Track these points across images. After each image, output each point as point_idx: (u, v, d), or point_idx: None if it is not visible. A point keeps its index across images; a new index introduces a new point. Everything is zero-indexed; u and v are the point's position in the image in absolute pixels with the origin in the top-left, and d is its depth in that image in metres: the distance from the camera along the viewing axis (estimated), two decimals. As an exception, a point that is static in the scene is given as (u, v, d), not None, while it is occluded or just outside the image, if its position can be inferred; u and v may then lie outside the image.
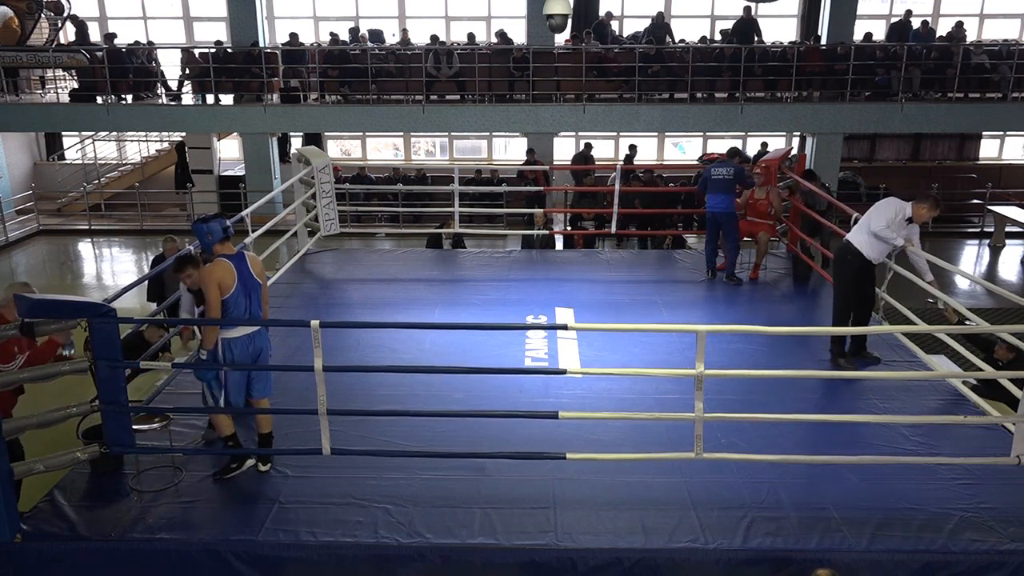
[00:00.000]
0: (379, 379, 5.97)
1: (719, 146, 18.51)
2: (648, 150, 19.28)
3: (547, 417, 4.83)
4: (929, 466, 4.99)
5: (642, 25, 17.08)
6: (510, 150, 19.74)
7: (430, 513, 4.63)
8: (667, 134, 18.67)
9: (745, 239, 9.09)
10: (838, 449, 5.13)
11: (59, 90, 17.51)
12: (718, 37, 17.24)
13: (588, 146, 15.99)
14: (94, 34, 18.93)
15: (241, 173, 17.21)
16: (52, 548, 4.43)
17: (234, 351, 4.89)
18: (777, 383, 5.78)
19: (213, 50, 15.90)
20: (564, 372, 5.08)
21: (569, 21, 13.26)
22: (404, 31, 16.92)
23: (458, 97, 15.77)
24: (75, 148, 19.17)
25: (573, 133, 17.01)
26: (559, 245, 12.60)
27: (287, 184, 9.31)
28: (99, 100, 15.85)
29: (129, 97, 15.97)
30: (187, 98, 16.37)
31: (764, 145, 16.44)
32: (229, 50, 16.03)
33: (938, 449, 5.24)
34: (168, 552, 4.40)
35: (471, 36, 16.74)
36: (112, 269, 14.77)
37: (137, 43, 16.93)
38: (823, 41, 16.47)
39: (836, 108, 15.38)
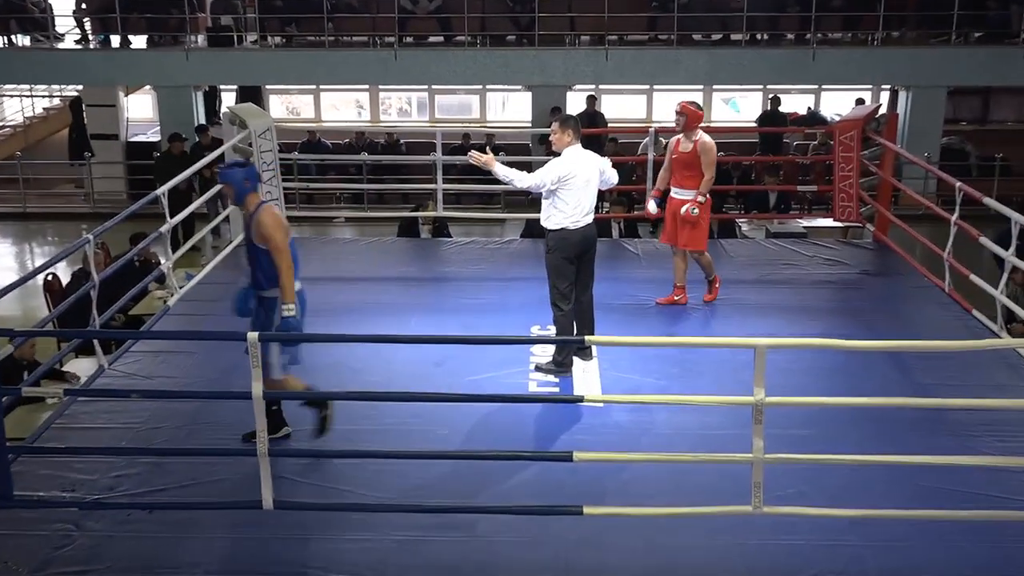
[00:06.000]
0: (338, 409, 5.95)
1: (789, 103, 18.36)
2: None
3: (558, 459, 4.82)
4: (1062, 525, 4.99)
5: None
6: (509, 108, 19.74)
7: (404, 586, 4.62)
8: (715, 88, 18.64)
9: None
10: (942, 502, 5.13)
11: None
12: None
13: (592, 98, 15.85)
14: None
15: (156, 139, 17.20)
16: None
17: (304, 302, 5.55)
18: (861, 415, 5.77)
19: (119, -23, 15.92)
20: (581, 400, 5.09)
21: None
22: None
23: (441, 39, 15.78)
24: (-64, 106, 19.19)
25: (592, 86, 17.01)
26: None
27: (216, 153, 9.31)
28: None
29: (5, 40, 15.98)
30: (84, 40, 16.36)
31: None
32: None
33: (1074, 502, 5.23)
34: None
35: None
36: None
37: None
38: (921, -35, 16.50)
39: (938, 53, 15.40)
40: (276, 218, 5.46)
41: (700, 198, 7.61)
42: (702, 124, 7.72)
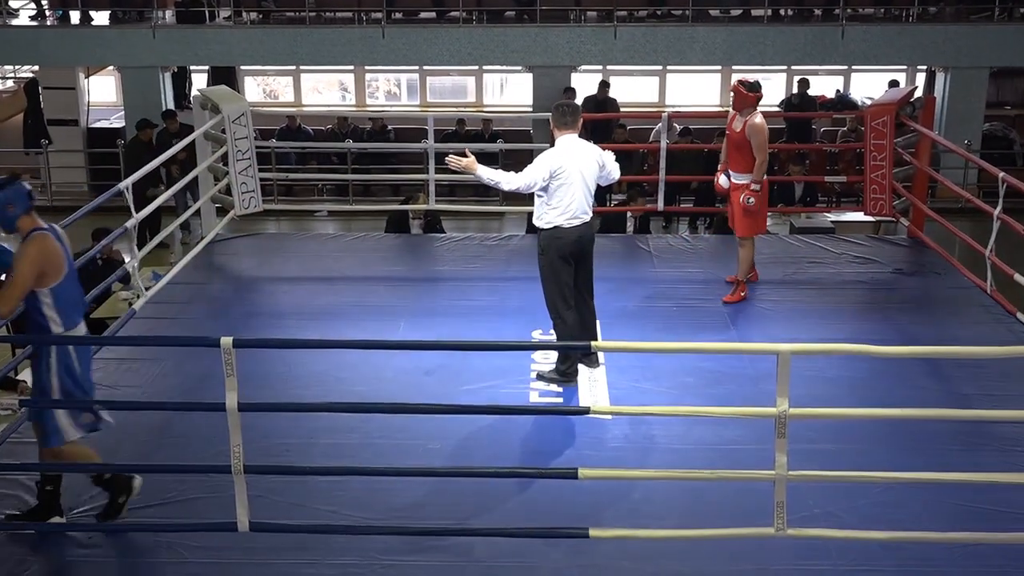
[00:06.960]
0: (320, 422, 5.97)
1: (816, 86, 18.36)
2: (708, 91, 19.27)
3: (562, 477, 4.81)
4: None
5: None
6: (508, 91, 19.74)
7: (393, 616, 4.64)
8: (735, 68, 18.66)
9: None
10: (984, 523, 5.13)
11: None
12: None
13: (605, 84, 15.88)
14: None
15: (120, 125, 17.21)
16: None
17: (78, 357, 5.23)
18: (894, 428, 5.77)
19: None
20: (587, 412, 5.06)
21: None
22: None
23: (433, 15, 15.79)
24: None
25: (599, 67, 17.03)
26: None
27: (186, 141, 9.32)
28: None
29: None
30: (40, 16, 16.36)
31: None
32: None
33: None
34: None
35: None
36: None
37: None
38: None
39: (979, 30, 15.40)
40: (40, 251, 4.88)
41: (755, 186, 7.72)
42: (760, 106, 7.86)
